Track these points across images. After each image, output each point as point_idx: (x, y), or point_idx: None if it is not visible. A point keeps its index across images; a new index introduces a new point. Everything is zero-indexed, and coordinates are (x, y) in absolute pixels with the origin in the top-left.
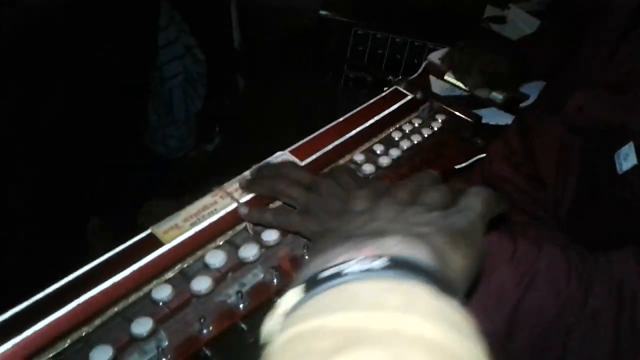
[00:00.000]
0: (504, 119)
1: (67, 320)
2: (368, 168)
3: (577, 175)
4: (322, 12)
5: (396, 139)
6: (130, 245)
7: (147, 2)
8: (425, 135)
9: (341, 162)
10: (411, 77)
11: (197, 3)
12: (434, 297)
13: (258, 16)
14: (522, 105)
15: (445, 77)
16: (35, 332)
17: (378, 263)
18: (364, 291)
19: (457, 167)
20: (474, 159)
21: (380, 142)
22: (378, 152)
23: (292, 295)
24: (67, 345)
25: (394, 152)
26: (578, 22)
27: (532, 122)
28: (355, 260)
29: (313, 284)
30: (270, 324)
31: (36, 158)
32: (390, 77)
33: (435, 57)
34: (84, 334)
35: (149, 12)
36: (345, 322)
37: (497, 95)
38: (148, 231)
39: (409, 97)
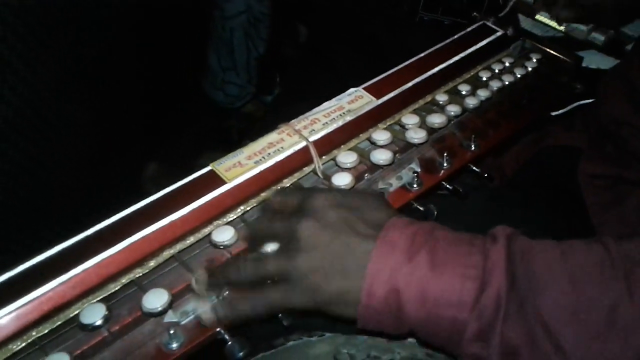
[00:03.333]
0: (607, 62)
1: (119, 260)
2: (453, 109)
3: None
4: None
5: (484, 78)
6: (188, 183)
7: None
8: (518, 76)
9: (421, 102)
10: (499, 15)
11: None
12: None
13: None
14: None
15: (537, 16)
16: (85, 271)
17: None
18: None
19: (554, 113)
20: (575, 104)
21: (466, 81)
22: (464, 92)
23: None
24: (118, 287)
25: (482, 93)
26: None
27: None
28: None
29: None
30: None
31: (93, 100)
32: (475, 13)
33: None
34: (137, 276)
35: None
36: None
37: (598, 36)
38: (208, 168)
39: (499, 33)
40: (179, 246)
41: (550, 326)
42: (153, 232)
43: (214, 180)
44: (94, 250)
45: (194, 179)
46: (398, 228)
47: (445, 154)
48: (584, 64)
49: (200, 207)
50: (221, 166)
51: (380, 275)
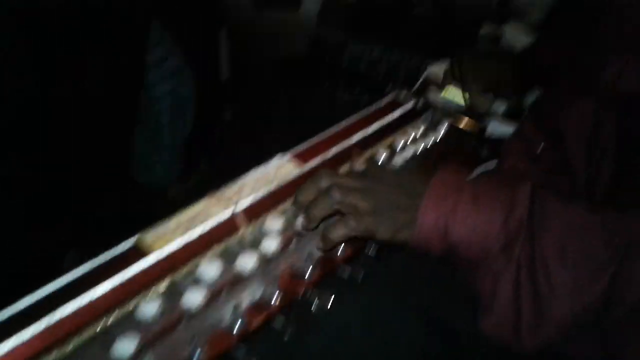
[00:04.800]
0: (508, 130)
1: (37, 341)
2: None
3: (613, 153)
4: (316, 30)
5: (398, 147)
6: (111, 257)
7: (136, 18)
8: (429, 144)
9: (343, 169)
10: (411, 90)
11: (188, 25)
12: None
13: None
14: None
15: (445, 91)
16: (5, 355)
17: None
18: None
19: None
20: (482, 166)
21: (382, 150)
22: (380, 159)
23: None
24: None
25: (398, 160)
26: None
27: (554, 107)
28: None
29: None
30: None
31: (14, 183)
32: (389, 87)
33: (433, 69)
34: (56, 358)
35: (139, 29)
36: None
37: (499, 106)
38: (132, 241)
39: (410, 106)
40: (102, 323)
41: (547, 261)
42: (74, 309)
43: (138, 252)
44: (10, 333)
45: (117, 252)
46: (445, 177)
47: None
48: (487, 133)
49: (123, 281)
50: (146, 238)
51: (432, 206)
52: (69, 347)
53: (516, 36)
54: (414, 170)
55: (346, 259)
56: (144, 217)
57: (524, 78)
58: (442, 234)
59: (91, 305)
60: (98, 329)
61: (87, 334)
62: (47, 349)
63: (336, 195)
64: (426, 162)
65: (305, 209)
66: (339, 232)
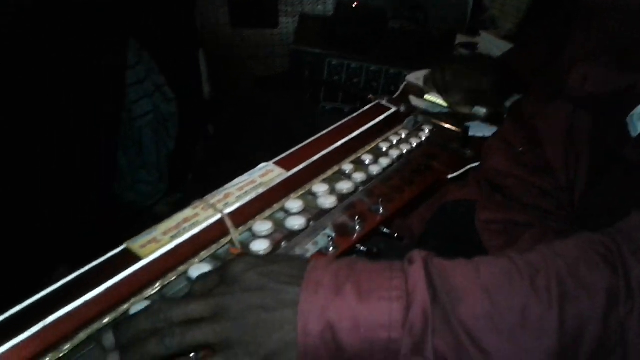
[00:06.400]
0: (490, 130)
1: (33, 344)
2: (359, 177)
3: (588, 153)
4: (295, 47)
5: (384, 149)
6: (103, 262)
7: (114, 39)
8: (414, 145)
9: (329, 172)
10: (392, 97)
11: (166, 44)
12: None
13: (228, 66)
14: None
15: (426, 96)
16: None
17: None
18: None
19: (449, 176)
20: (467, 167)
21: (368, 152)
22: (367, 161)
23: None
24: None
25: (384, 161)
26: (564, 19)
27: (531, 109)
28: None
29: None
30: None
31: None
32: (370, 95)
33: (413, 77)
34: None
35: (117, 49)
36: None
37: (480, 109)
38: (123, 246)
39: (393, 110)
40: (96, 326)
41: (472, 332)
42: (68, 313)
43: (129, 257)
44: (7, 337)
45: (109, 258)
46: (320, 268)
47: (356, 218)
48: (470, 133)
49: (115, 285)
50: (136, 243)
51: (312, 314)
52: (66, 346)
53: (490, 46)
54: (284, 262)
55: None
56: (131, 233)
57: (502, 86)
58: (330, 343)
59: (84, 307)
60: (93, 331)
61: (82, 335)
62: (42, 354)
63: (171, 340)
64: (413, 164)
65: (126, 348)
66: None
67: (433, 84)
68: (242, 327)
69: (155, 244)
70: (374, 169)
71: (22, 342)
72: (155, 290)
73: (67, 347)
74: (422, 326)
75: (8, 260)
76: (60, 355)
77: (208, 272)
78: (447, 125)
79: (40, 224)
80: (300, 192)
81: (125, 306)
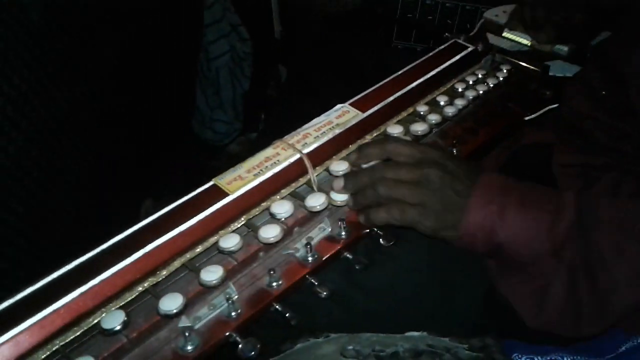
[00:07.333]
0: (571, 70)
1: (133, 270)
2: (433, 118)
3: None
4: None
5: (460, 90)
6: (194, 197)
7: None
8: (491, 86)
9: (404, 114)
10: (469, 34)
11: None
12: None
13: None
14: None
15: (504, 34)
16: (102, 282)
17: None
18: None
19: (527, 118)
20: (545, 109)
21: (443, 93)
22: (442, 102)
23: None
24: (134, 296)
25: (460, 102)
26: None
27: (617, 52)
28: None
29: None
30: None
31: (91, 143)
32: (446, 33)
33: (491, 14)
34: (151, 285)
35: None
36: None
37: (562, 48)
38: (211, 182)
39: (470, 49)
40: (189, 255)
41: (604, 257)
42: (164, 242)
43: (217, 193)
44: (110, 263)
45: (199, 193)
46: (493, 178)
47: None
48: (550, 73)
49: (206, 217)
50: (223, 180)
51: (479, 211)
52: (163, 272)
53: None
54: (468, 163)
55: None
56: (210, 170)
57: (591, 22)
58: (487, 235)
59: (179, 237)
60: (186, 260)
61: (177, 263)
62: (143, 277)
63: (383, 190)
64: (489, 105)
65: (352, 195)
66: (380, 217)
67: (519, 20)
68: (438, 198)
69: (241, 181)
70: (449, 111)
71: (124, 268)
72: (241, 224)
73: (164, 272)
74: (565, 236)
75: (102, 192)
76: (159, 280)
77: (407, 143)
78: (526, 65)
79: (128, 159)
80: (375, 134)
81: (214, 238)
